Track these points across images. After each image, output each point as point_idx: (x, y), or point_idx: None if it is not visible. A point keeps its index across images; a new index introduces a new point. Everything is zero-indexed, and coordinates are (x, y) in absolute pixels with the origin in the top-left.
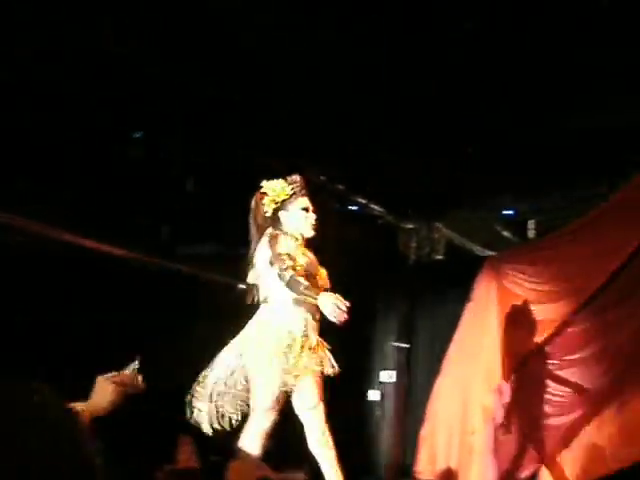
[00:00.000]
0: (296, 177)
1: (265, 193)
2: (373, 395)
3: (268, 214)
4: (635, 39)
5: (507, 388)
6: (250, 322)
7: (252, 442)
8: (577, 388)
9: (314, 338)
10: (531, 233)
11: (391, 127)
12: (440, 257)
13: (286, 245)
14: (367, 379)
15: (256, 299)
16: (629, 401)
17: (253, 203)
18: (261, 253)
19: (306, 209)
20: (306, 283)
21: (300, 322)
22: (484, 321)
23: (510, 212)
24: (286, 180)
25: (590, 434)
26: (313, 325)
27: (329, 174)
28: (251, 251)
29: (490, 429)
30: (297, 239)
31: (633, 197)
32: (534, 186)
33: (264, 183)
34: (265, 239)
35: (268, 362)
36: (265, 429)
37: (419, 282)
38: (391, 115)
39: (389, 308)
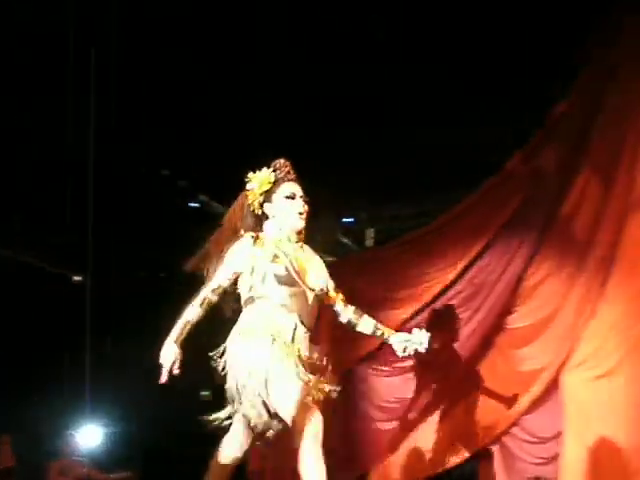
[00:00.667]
0: (280, 160)
1: (247, 194)
2: None
3: (256, 211)
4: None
5: None
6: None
7: None
8: (407, 394)
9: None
10: (369, 242)
11: (234, 125)
12: None
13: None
14: None
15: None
16: (453, 408)
17: (236, 205)
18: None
19: (291, 196)
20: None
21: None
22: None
23: (350, 220)
24: (270, 166)
25: (416, 439)
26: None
27: (172, 170)
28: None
29: None
30: (290, 239)
31: (471, 209)
32: (374, 196)
33: (250, 175)
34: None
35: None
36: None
37: None
38: (230, 114)
39: None
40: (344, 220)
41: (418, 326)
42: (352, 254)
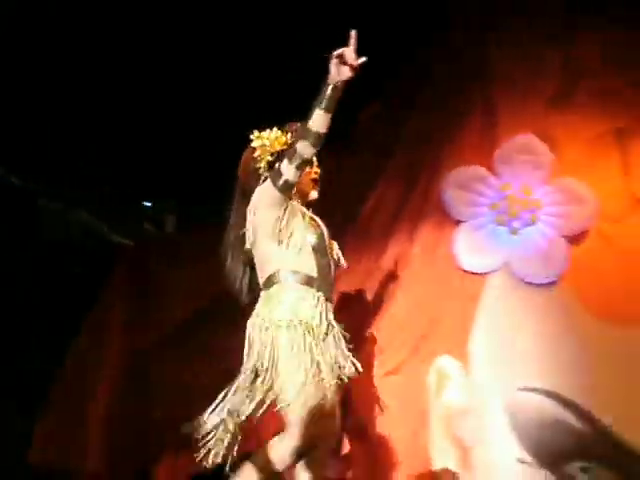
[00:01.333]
0: (295, 124)
1: (256, 147)
2: None
3: (262, 171)
4: None
5: None
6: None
7: None
8: None
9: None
10: (170, 227)
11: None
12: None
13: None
14: None
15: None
16: None
17: (242, 162)
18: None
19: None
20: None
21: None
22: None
23: (149, 204)
24: (281, 128)
25: None
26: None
27: None
28: (231, 230)
29: None
30: (304, 214)
31: None
32: (175, 182)
33: (255, 134)
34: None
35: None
36: None
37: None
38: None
39: None
40: (145, 204)
41: None
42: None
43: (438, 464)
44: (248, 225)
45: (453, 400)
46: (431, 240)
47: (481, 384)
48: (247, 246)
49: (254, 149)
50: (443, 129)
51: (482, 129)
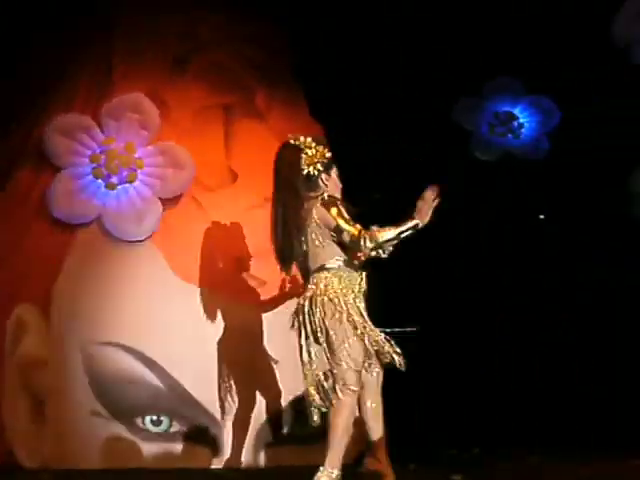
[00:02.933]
0: (323, 138)
1: (302, 149)
2: None
3: (310, 174)
4: None
5: None
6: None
7: None
8: None
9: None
10: None
11: None
12: None
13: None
14: None
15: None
16: None
17: (288, 157)
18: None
19: (338, 177)
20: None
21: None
22: None
23: None
24: (315, 139)
25: None
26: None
27: None
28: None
29: None
30: None
31: None
32: None
33: (294, 137)
34: (318, 205)
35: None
36: None
37: None
38: None
39: None
40: None
41: None
42: None
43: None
44: None
45: (30, 350)
46: (26, 184)
47: (61, 336)
48: None
49: (300, 150)
50: (59, 73)
51: (97, 82)
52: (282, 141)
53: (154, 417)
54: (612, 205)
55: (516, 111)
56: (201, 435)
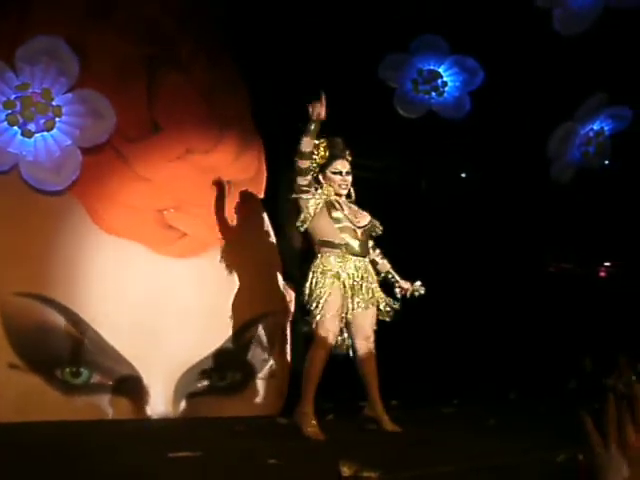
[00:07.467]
0: (336, 139)
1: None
2: None
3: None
4: None
5: None
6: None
7: None
8: None
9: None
10: None
11: None
12: None
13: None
14: None
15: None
16: None
17: (318, 149)
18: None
19: (339, 172)
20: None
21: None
22: None
23: None
24: (330, 140)
25: None
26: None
27: None
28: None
29: None
30: (338, 202)
31: None
32: None
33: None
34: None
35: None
36: None
37: None
38: None
39: None
40: None
41: None
42: None
43: None
44: None
45: None
46: None
47: None
48: None
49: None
50: None
51: (15, 24)
52: (205, 94)
53: (73, 369)
54: (531, 166)
55: (440, 69)
56: (122, 387)
